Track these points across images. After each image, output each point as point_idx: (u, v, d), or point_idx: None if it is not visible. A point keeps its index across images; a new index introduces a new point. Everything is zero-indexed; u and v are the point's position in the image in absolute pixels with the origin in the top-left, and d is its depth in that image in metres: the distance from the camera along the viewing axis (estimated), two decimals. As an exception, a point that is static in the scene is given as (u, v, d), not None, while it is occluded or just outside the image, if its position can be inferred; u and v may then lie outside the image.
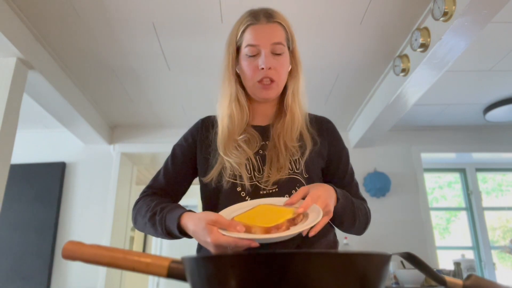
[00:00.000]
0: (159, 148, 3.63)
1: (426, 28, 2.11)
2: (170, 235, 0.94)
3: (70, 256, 0.53)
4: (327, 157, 1.09)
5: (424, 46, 2.13)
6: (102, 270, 3.23)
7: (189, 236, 0.91)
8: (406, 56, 2.39)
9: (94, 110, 3.27)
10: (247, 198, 0.97)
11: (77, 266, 3.23)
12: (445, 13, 1.87)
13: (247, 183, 0.96)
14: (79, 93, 2.96)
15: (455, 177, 4.14)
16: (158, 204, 0.98)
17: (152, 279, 5.51)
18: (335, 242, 1.05)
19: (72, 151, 3.55)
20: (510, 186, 4.21)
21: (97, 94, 3.09)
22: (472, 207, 3.94)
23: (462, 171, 4.09)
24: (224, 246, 0.79)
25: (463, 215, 4.00)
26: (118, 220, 3.47)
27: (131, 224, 3.88)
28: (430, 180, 4.14)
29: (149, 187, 1.10)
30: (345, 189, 1.03)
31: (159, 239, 5.69)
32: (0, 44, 2.05)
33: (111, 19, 2.19)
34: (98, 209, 3.40)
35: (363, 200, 1.11)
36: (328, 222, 1.05)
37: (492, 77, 2.85)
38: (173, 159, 1.12)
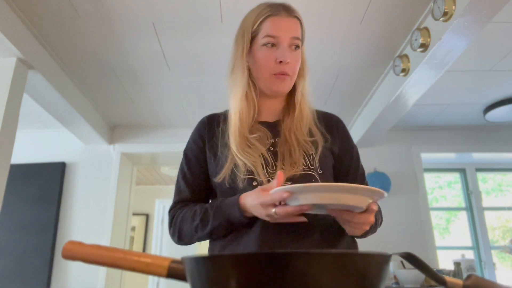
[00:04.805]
0: (159, 148, 3.63)
1: (426, 28, 2.11)
2: (229, 223, 0.92)
3: (70, 256, 0.53)
4: (338, 155, 1.06)
5: (424, 46, 2.13)
6: (102, 270, 3.23)
7: (247, 219, 0.91)
8: (406, 56, 2.39)
9: (94, 110, 3.27)
10: None
11: (77, 266, 3.23)
12: (445, 13, 1.87)
13: (263, 179, 0.94)
14: (79, 93, 2.96)
15: (455, 177, 4.14)
16: (202, 206, 0.98)
17: (152, 279, 5.51)
18: (354, 242, 1.02)
19: (72, 151, 3.55)
20: (510, 186, 4.21)
21: (97, 94, 3.09)
22: (472, 207, 3.94)
23: (462, 171, 4.09)
24: (268, 203, 0.81)
25: (463, 215, 4.00)
26: (118, 220, 3.47)
27: (131, 224, 3.88)
28: (430, 180, 4.14)
29: (176, 202, 1.06)
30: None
31: (158, 239, 5.69)
32: (0, 44, 2.05)
33: (111, 19, 2.19)
34: (98, 209, 3.40)
35: None
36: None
37: (492, 77, 2.85)
38: (188, 166, 1.07)
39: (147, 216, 5.76)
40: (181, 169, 1.09)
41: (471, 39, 1.97)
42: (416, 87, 2.50)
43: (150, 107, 3.31)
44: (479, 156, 3.90)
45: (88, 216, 3.38)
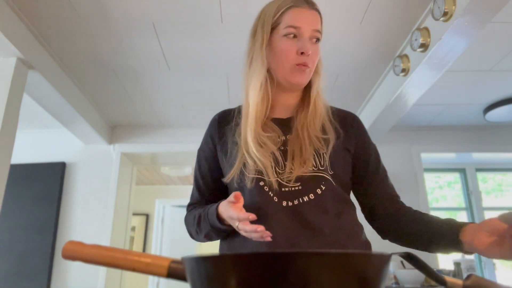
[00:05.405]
0: (159, 148, 3.63)
1: (426, 28, 2.11)
2: (215, 230, 0.94)
3: (70, 256, 0.53)
4: (354, 152, 1.03)
5: (424, 46, 2.13)
6: (102, 270, 3.23)
7: (228, 227, 0.91)
8: (406, 56, 2.39)
9: (94, 110, 3.27)
10: (270, 193, 0.93)
11: (77, 266, 3.23)
12: (445, 13, 1.87)
13: (272, 179, 0.92)
14: (79, 93, 2.96)
15: (455, 177, 4.14)
16: (199, 211, 1.00)
17: (152, 279, 5.51)
18: (367, 243, 1.01)
19: (72, 151, 3.55)
20: (510, 186, 4.21)
21: (97, 94, 3.09)
22: (472, 207, 3.94)
23: (462, 171, 4.09)
24: (234, 219, 0.83)
25: (463, 215, 4.00)
26: (118, 220, 3.47)
27: (131, 224, 3.88)
28: (430, 180, 4.14)
29: (189, 204, 1.10)
30: (381, 184, 1.02)
31: (159, 239, 5.69)
32: (0, 44, 2.05)
33: (111, 19, 2.19)
34: (98, 209, 3.40)
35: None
36: (359, 224, 1.01)
37: (492, 77, 2.85)
38: (199, 167, 1.09)
39: (147, 216, 5.76)
40: (194, 170, 1.12)
41: (471, 39, 1.97)
42: (416, 87, 2.50)
43: (150, 107, 3.31)
44: (479, 156, 3.90)
45: (88, 216, 3.38)
